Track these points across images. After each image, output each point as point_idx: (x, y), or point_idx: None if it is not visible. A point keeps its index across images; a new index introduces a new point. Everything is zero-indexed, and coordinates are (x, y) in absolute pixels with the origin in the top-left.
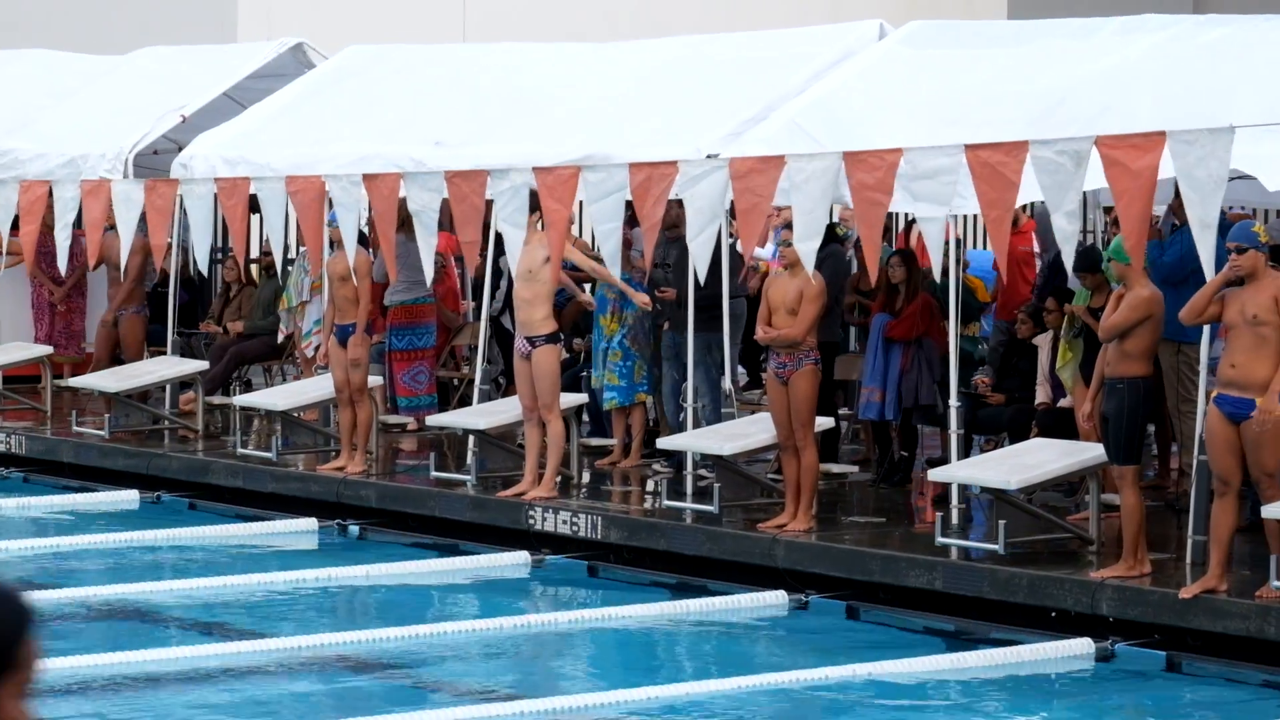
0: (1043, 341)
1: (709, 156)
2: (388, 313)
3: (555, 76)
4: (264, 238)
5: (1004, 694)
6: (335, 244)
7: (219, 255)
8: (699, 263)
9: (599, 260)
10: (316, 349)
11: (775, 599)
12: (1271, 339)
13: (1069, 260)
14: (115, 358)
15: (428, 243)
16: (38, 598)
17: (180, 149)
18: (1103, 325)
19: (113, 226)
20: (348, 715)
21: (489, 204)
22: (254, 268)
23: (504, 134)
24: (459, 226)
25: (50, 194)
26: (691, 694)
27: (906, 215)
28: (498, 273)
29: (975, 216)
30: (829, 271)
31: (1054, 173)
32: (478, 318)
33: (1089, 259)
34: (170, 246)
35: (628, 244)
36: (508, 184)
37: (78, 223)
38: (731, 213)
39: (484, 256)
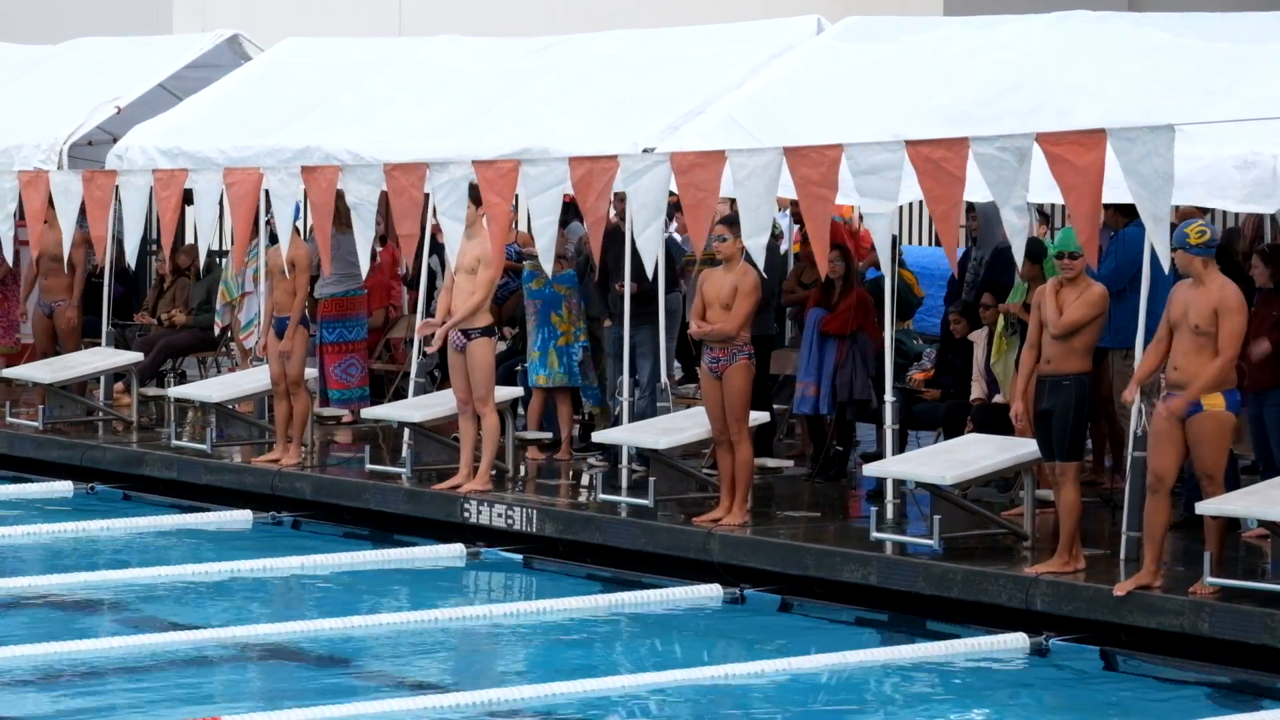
0: (978, 338)
1: (645, 151)
2: (318, 305)
3: (491, 70)
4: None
5: (938, 689)
6: (272, 235)
7: (152, 247)
8: (646, 258)
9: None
10: (257, 342)
11: (710, 592)
12: (1209, 347)
13: (1019, 254)
14: (56, 349)
15: (365, 235)
16: None
17: (115, 140)
18: (1062, 321)
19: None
20: (282, 706)
21: (426, 197)
22: (179, 260)
23: (440, 127)
24: (397, 220)
25: None
26: (625, 687)
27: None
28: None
29: (913, 209)
30: (764, 266)
31: (998, 169)
32: (413, 310)
33: (1032, 249)
34: (98, 241)
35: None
36: (447, 177)
37: (18, 214)
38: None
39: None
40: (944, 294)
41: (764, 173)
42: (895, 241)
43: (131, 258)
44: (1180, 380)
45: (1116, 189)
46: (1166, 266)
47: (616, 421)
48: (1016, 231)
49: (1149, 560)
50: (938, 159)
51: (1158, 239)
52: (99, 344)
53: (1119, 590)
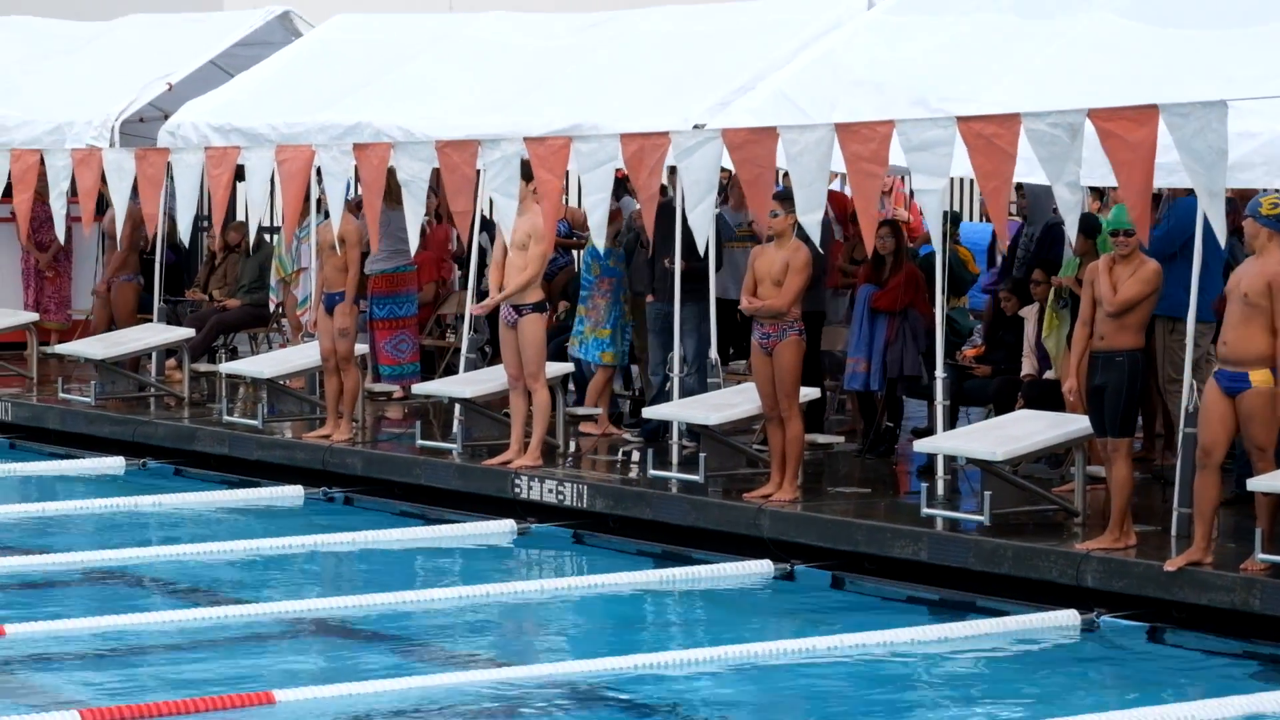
0: (1029, 314)
1: (696, 127)
2: (369, 281)
3: (541, 46)
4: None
5: (988, 665)
6: (324, 212)
7: (203, 224)
8: (698, 235)
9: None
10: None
11: (760, 568)
12: (1258, 320)
13: (1072, 230)
14: (113, 325)
15: (416, 212)
16: (24, 563)
17: (166, 117)
18: (1117, 299)
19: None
20: (332, 681)
21: (478, 174)
22: (230, 237)
23: (490, 104)
24: (451, 196)
25: (42, 162)
26: (676, 663)
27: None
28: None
29: (967, 186)
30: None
31: (1050, 144)
32: (464, 287)
33: (1086, 224)
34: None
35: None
36: (499, 154)
37: (71, 191)
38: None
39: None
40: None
41: (816, 149)
42: (951, 218)
43: (186, 234)
44: (1229, 355)
45: (1171, 174)
46: (1223, 241)
47: (660, 398)
48: (1070, 208)
49: (1199, 536)
50: (989, 135)
51: (1213, 214)
52: (151, 320)
53: (1169, 566)
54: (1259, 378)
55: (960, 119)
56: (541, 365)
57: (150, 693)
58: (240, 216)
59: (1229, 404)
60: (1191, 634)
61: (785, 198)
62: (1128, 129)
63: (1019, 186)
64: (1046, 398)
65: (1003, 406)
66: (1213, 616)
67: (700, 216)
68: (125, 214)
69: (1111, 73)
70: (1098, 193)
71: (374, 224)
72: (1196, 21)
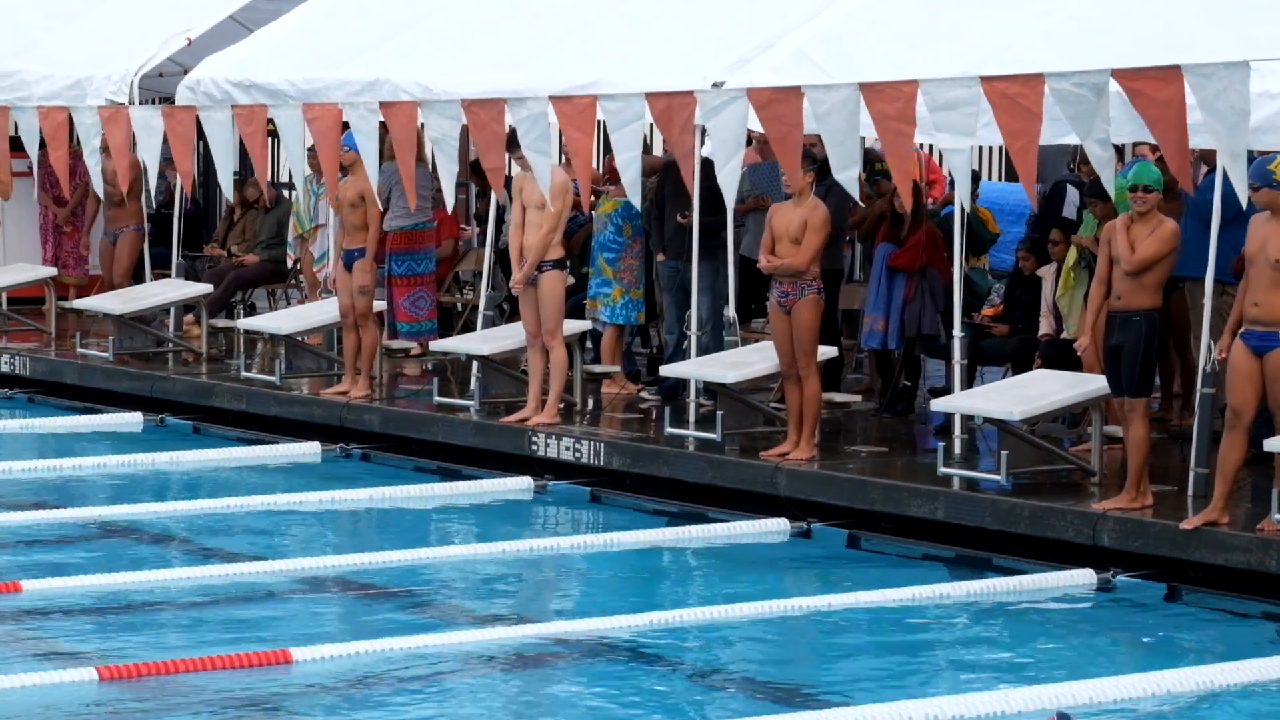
0: (1047, 273)
1: (715, 85)
2: (387, 238)
3: (561, 3)
4: (277, 163)
5: (1004, 623)
6: (346, 169)
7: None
8: (727, 193)
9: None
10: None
11: (777, 526)
12: None
13: (1109, 185)
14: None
15: (449, 170)
16: (41, 517)
17: (186, 72)
18: (1135, 258)
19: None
20: (351, 638)
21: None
22: (248, 193)
23: (510, 60)
24: (482, 154)
25: (70, 120)
26: (693, 620)
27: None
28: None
29: (990, 148)
30: (834, 201)
31: (1076, 103)
32: (481, 244)
33: (1097, 187)
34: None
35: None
36: (526, 113)
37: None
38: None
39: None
40: (1018, 230)
41: (843, 108)
42: (975, 177)
43: (228, 191)
44: (1261, 316)
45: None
46: (1244, 201)
47: (677, 356)
48: (1103, 164)
49: (1219, 496)
50: (1014, 94)
51: (1235, 174)
52: (169, 275)
53: (1186, 525)
54: None
55: (984, 79)
56: (559, 322)
57: (168, 651)
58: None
59: (1257, 364)
60: (1208, 594)
61: (805, 156)
62: (1155, 88)
63: None
64: (1064, 357)
65: (1020, 366)
66: (1229, 576)
67: (729, 175)
68: (128, 171)
69: (1134, 32)
70: (1118, 151)
71: (410, 181)
72: None
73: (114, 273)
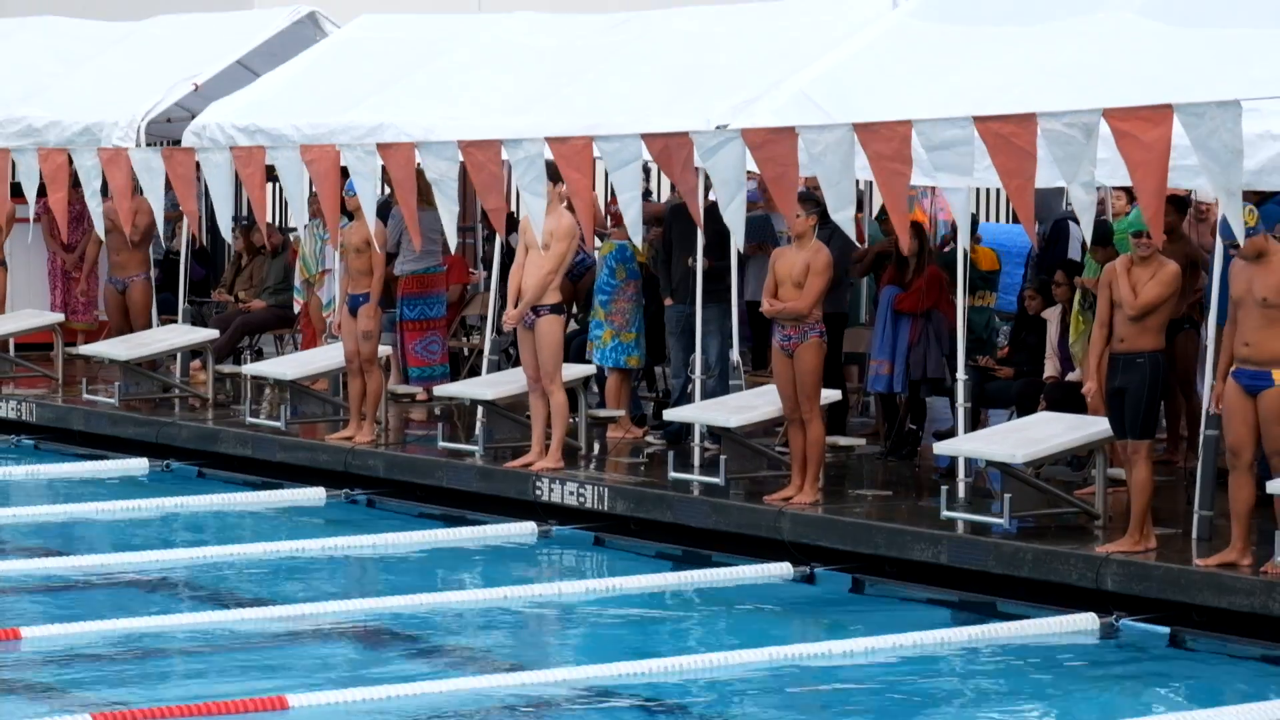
0: (1051, 315)
1: (719, 127)
2: (398, 283)
3: (565, 47)
4: (279, 208)
5: (1007, 668)
6: (350, 214)
7: (233, 224)
8: (735, 231)
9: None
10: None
11: (780, 571)
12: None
13: (1088, 230)
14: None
15: (449, 210)
16: (46, 565)
17: (193, 117)
18: (1138, 302)
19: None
20: (353, 684)
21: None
22: (255, 238)
23: (514, 104)
24: (482, 194)
25: (70, 161)
26: (695, 666)
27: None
28: (509, 247)
29: (991, 190)
30: (838, 245)
31: (1065, 144)
32: (487, 288)
33: (1100, 232)
34: (183, 216)
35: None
36: (522, 154)
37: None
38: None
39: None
40: (1021, 272)
41: (838, 148)
42: (972, 218)
43: (226, 233)
44: (1252, 356)
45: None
46: (1241, 239)
47: (682, 400)
48: (1085, 208)
49: (1236, 537)
50: (1007, 134)
51: (1231, 212)
52: (176, 321)
53: (1201, 564)
54: None
55: (977, 119)
56: (558, 367)
57: (167, 697)
58: (269, 217)
59: (1250, 403)
60: (1212, 637)
61: (806, 199)
62: (1142, 129)
63: None
64: (1069, 399)
65: (1025, 408)
66: (1233, 620)
67: (734, 214)
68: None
69: (1132, 73)
70: (1129, 193)
71: (412, 221)
72: (1219, 20)
73: (136, 324)
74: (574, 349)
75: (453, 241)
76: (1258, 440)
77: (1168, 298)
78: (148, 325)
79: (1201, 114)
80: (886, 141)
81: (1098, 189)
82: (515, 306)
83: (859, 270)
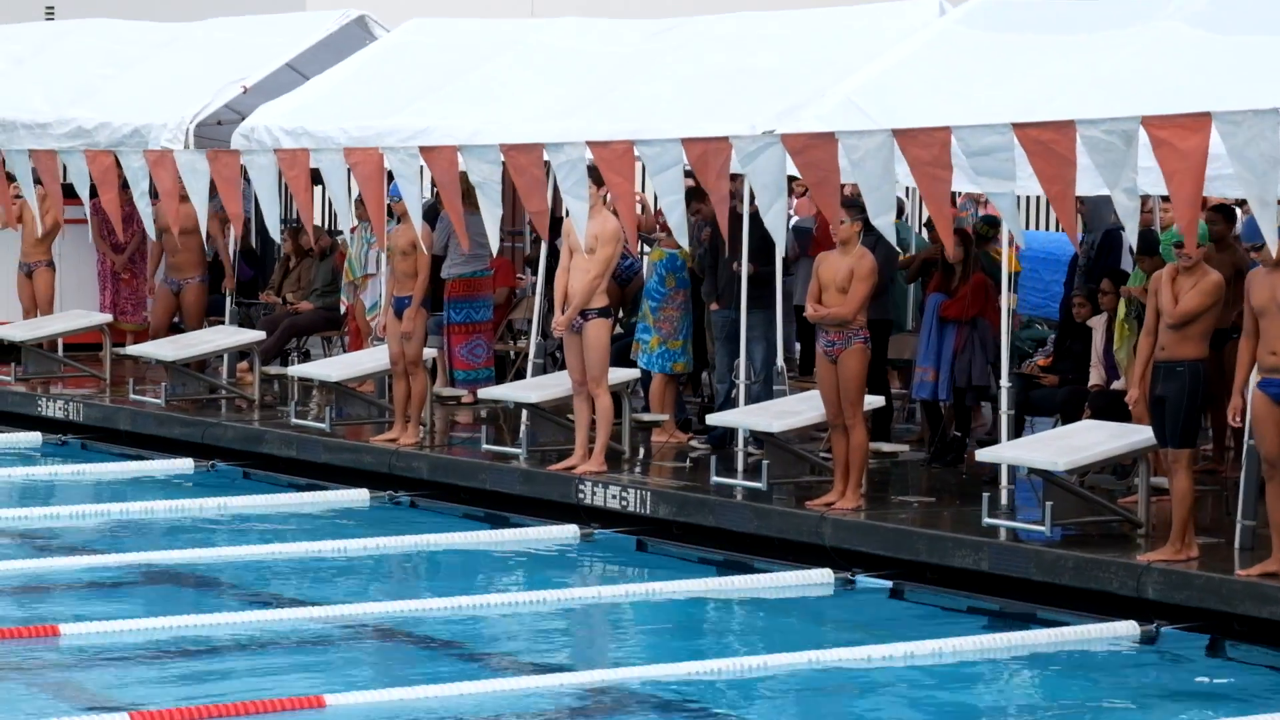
0: (1096, 323)
1: (764, 134)
2: (445, 286)
3: (611, 52)
4: (328, 210)
5: (1047, 675)
6: (396, 217)
7: (281, 226)
8: (776, 237)
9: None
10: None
11: (821, 577)
12: None
13: (1132, 236)
14: (174, 325)
15: (492, 214)
16: (90, 563)
17: (243, 119)
18: (1177, 310)
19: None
20: (396, 685)
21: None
22: (303, 241)
23: (559, 109)
24: (524, 197)
25: (118, 163)
26: (735, 669)
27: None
28: (554, 250)
29: (1036, 198)
30: (883, 251)
31: (1106, 151)
32: (534, 292)
33: (1146, 242)
34: (235, 218)
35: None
36: (564, 158)
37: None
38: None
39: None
40: (1063, 279)
41: (878, 154)
42: (987, 221)
43: (275, 233)
44: (1278, 365)
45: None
46: (1275, 251)
47: (727, 405)
48: (1129, 214)
49: (1276, 547)
50: (1047, 141)
51: (1265, 221)
52: (223, 322)
53: (1241, 573)
54: None
55: (1016, 125)
56: (605, 370)
57: (207, 695)
58: (318, 219)
59: (1278, 411)
60: (1253, 647)
61: (851, 205)
62: (1180, 136)
63: (1079, 198)
64: (1114, 408)
65: (1070, 416)
66: (1275, 630)
67: (775, 218)
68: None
69: (1179, 83)
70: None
71: (459, 222)
72: (1269, 28)
73: (188, 325)
74: (616, 352)
75: (494, 244)
76: None
77: (1209, 307)
78: (200, 327)
79: (1239, 122)
80: (926, 147)
81: (1145, 198)
82: (562, 311)
83: (907, 277)
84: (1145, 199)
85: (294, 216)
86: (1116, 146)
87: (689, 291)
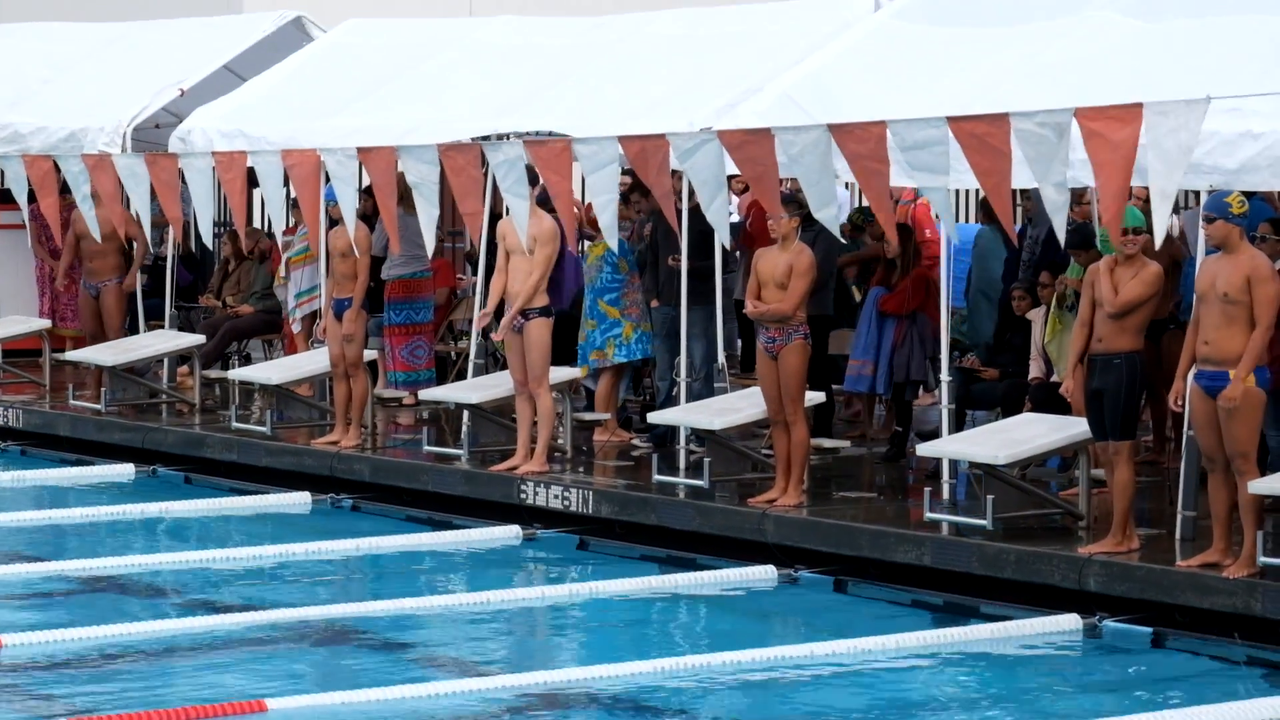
0: (1036, 316)
1: (702, 130)
2: (385, 287)
3: (547, 49)
4: (263, 214)
5: (991, 669)
6: (334, 219)
7: (219, 229)
8: (720, 231)
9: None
10: (311, 319)
11: (764, 574)
12: (1240, 317)
13: (1060, 230)
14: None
15: (429, 215)
16: (31, 570)
17: (180, 122)
18: (1118, 300)
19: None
20: (339, 688)
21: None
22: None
23: (498, 107)
24: (459, 198)
25: (56, 168)
26: (679, 668)
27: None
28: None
29: (968, 191)
30: (822, 247)
31: (1037, 144)
32: (474, 292)
33: (1082, 236)
34: (174, 221)
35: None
36: (502, 156)
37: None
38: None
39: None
40: (1001, 272)
41: (814, 149)
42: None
43: (208, 238)
44: (1211, 355)
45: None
46: (1159, 243)
47: (668, 403)
48: (1056, 208)
49: (1217, 538)
50: (981, 134)
51: (1160, 214)
52: (163, 326)
53: (1182, 564)
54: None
55: (951, 119)
56: (546, 370)
57: (148, 702)
58: (255, 222)
59: (1212, 405)
60: (1194, 637)
61: (789, 201)
62: (1112, 128)
63: (1023, 191)
64: (1054, 401)
65: (1010, 410)
66: (1215, 620)
67: (716, 214)
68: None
69: (1113, 71)
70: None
71: (392, 225)
72: (1196, 10)
73: (108, 329)
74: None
75: (430, 246)
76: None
77: (1149, 298)
78: (120, 330)
79: (1166, 112)
80: (862, 142)
81: (1084, 190)
82: (503, 313)
83: (850, 275)
84: (1084, 191)
85: (231, 219)
86: (1048, 139)
87: (640, 276)
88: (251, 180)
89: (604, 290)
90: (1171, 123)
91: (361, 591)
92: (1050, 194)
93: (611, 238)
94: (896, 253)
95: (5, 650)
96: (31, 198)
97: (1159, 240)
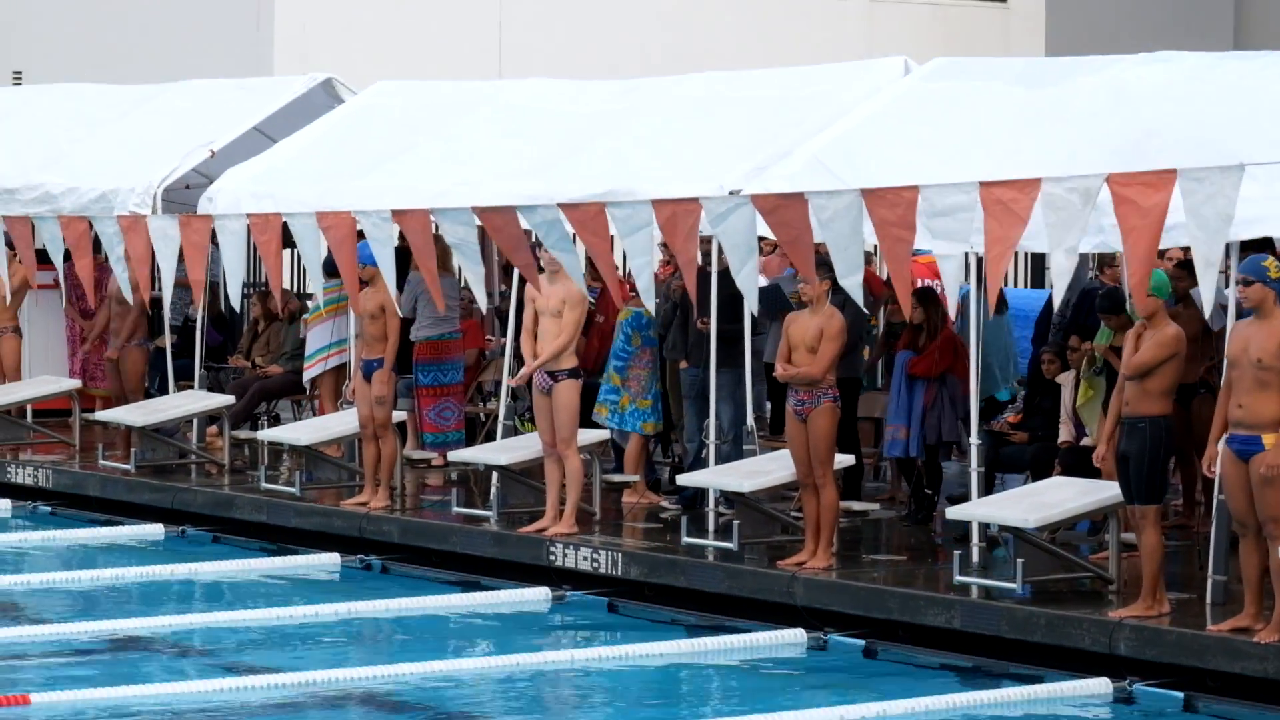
0: (1066, 380)
1: (732, 193)
2: (414, 348)
3: (579, 112)
4: (299, 274)
5: None
6: (363, 281)
7: (249, 290)
8: (747, 296)
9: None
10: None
11: (793, 637)
12: (1273, 383)
13: (1058, 296)
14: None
15: (476, 273)
16: (60, 631)
17: (210, 183)
18: (1128, 363)
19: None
20: None
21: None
22: (271, 305)
23: (528, 170)
24: (509, 255)
25: (91, 228)
26: None
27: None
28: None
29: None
30: (852, 309)
31: (1061, 209)
32: (504, 354)
33: (1113, 301)
34: (196, 284)
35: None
36: (539, 219)
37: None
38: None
39: (507, 291)
40: (1030, 336)
41: (846, 214)
42: (980, 283)
43: (236, 301)
44: (1244, 419)
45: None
46: (1207, 312)
47: (697, 465)
48: (1062, 273)
49: (1248, 603)
50: (1007, 201)
51: (1206, 281)
52: (192, 387)
53: (1213, 629)
54: (1272, 440)
55: (983, 184)
56: (574, 432)
57: None
58: (286, 283)
59: (1244, 470)
60: (1226, 702)
61: (820, 264)
62: (1144, 194)
63: None
64: (1083, 464)
65: (1040, 473)
66: (1247, 685)
67: (746, 279)
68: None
69: (1142, 134)
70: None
71: (434, 285)
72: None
73: (128, 389)
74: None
75: (483, 302)
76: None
77: (1164, 360)
78: (140, 390)
79: (1201, 179)
80: (892, 207)
81: (1115, 256)
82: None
83: (877, 352)
84: (1113, 256)
85: (262, 280)
86: (1073, 205)
87: (655, 350)
88: (283, 242)
89: (615, 355)
90: (1208, 189)
91: (391, 653)
92: (1060, 260)
93: (649, 300)
94: (917, 320)
95: (33, 708)
96: (66, 257)
97: (1207, 310)
